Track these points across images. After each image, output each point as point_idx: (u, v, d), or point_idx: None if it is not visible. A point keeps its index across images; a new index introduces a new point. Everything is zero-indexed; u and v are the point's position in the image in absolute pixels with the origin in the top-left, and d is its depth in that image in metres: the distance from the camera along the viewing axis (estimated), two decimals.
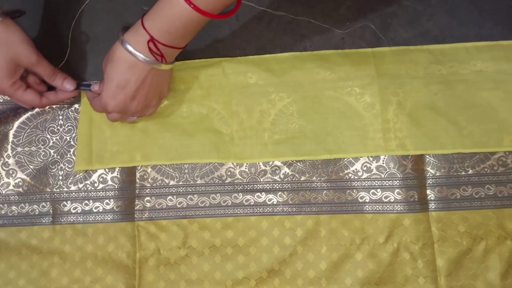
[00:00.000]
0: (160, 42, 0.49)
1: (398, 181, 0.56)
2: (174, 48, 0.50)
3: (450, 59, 0.58)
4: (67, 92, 0.56)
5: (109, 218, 0.57)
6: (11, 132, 0.60)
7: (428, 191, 0.56)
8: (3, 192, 0.59)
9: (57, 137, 0.60)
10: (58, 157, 0.59)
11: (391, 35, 0.60)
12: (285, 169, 0.57)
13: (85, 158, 0.58)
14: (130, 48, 0.49)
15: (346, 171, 0.57)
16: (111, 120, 0.56)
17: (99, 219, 0.58)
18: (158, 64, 0.51)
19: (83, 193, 0.58)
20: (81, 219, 0.58)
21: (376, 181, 0.56)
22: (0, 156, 0.59)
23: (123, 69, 0.50)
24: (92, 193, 0.58)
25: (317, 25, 0.60)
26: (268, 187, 0.57)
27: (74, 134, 0.59)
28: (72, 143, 0.59)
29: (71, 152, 0.59)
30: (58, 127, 0.60)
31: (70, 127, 0.60)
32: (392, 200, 0.56)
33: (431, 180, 0.56)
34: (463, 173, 0.56)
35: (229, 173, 0.58)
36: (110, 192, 0.58)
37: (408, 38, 0.60)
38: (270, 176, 0.57)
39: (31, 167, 0.59)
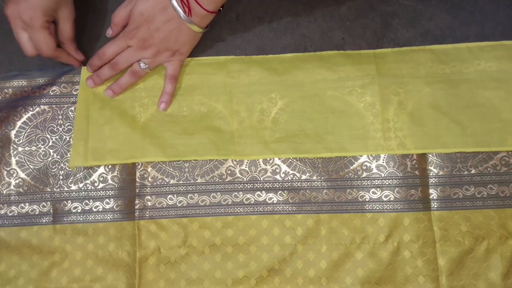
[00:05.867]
0: None
1: (398, 180, 0.59)
2: (200, 6, 0.56)
3: (453, 58, 0.61)
4: (76, 59, 0.62)
5: (109, 218, 0.60)
6: (13, 132, 0.63)
7: (430, 190, 0.59)
8: (4, 192, 0.62)
9: (57, 137, 0.63)
10: (58, 156, 0.62)
11: (391, 35, 0.63)
12: (286, 168, 0.61)
13: (81, 155, 0.61)
14: None
15: (346, 170, 0.60)
16: (121, 62, 0.59)
17: (99, 218, 0.60)
18: (184, 16, 0.56)
19: (83, 193, 0.61)
20: (81, 219, 0.61)
21: (376, 180, 0.60)
22: (2, 157, 0.62)
23: (156, 9, 0.56)
24: (92, 192, 0.61)
25: (317, 25, 0.64)
26: (268, 186, 0.60)
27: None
28: (71, 142, 0.62)
29: (71, 152, 0.62)
30: (58, 127, 0.63)
31: (69, 127, 0.63)
32: (392, 199, 0.59)
33: (433, 179, 0.60)
34: (465, 172, 0.59)
35: (229, 171, 0.61)
36: (110, 191, 0.61)
37: (408, 38, 0.63)
38: (270, 175, 0.60)
39: (31, 167, 0.62)
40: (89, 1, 0.65)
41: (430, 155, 0.60)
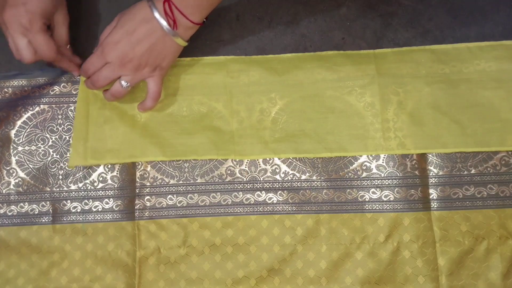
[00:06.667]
0: (174, 4, 0.53)
1: (397, 180, 0.59)
2: (186, 18, 0.54)
3: (453, 58, 0.61)
4: (75, 63, 0.60)
5: (108, 217, 0.60)
6: (13, 132, 0.63)
7: (430, 190, 0.59)
8: (3, 191, 0.62)
9: (57, 136, 0.63)
10: (58, 156, 0.62)
11: (391, 35, 0.63)
12: (285, 168, 0.60)
13: (80, 154, 0.61)
14: (150, 4, 0.54)
15: (346, 170, 0.60)
16: (99, 81, 0.57)
17: (99, 218, 0.60)
18: (168, 29, 0.55)
19: (83, 193, 0.61)
20: (81, 219, 0.61)
21: (376, 180, 0.60)
22: (2, 156, 0.62)
23: (137, 20, 0.55)
24: (91, 192, 0.61)
25: (317, 25, 0.64)
26: (268, 186, 0.60)
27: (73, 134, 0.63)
28: (71, 142, 0.62)
29: (70, 151, 0.62)
30: (58, 126, 0.63)
31: (69, 126, 0.63)
32: (392, 199, 0.59)
33: (433, 179, 0.60)
34: (465, 172, 0.59)
35: (229, 171, 0.61)
36: (109, 191, 0.61)
37: (408, 38, 0.63)
38: (270, 175, 0.60)
39: (31, 166, 0.62)
40: (85, 4, 0.65)
41: (430, 155, 0.60)
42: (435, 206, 0.59)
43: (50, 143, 0.63)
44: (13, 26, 0.54)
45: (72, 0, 0.64)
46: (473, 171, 0.59)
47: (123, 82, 0.57)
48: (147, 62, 0.56)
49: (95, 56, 0.57)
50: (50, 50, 0.56)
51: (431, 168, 0.60)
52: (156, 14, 0.54)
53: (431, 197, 0.59)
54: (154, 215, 0.60)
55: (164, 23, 0.54)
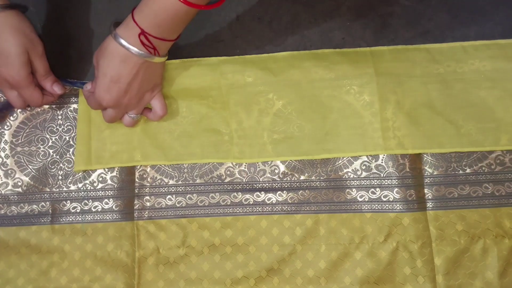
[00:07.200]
0: (150, 34, 0.51)
1: (396, 180, 0.59)
2: (165, 40, 0.53)
3: (448, 58, 0.61)
4: (55, 94, 0.60)
5: (108, 218, 0.60)
6: (10, 132, 0.62)
7: (425, 190, 0.59)
8: (2, 192, 0.62)
9: (57, 137, 0.63)
10: (58, 157, 0.62)
11: (391, 35, 0.63)
12: (284, 168, 0.61)
13: (84, 158, 0.61)
14: (123, 41, 0.52)
15: (345, 170, 0.60)
16: (108, 120, 0.59)
17: (98, 218, 0.60)
18: (151, 56, 0.53)
19: (82, 193, 0.61)
20: (80, 219, 0.61)
21: (375, 180, 0.60)
22: (0, 156, 0.62)
23: (116, 63, 0.53)
24: (91, 192, 0.61)
25: (317, 25, 0.63)
26: (267, 186, 0.60)
27: (73, 134, 0.62)
28: (71, 142, 0.62)
29: (70, 152, 0.62)
30: (58, 127, 0.63)
31: (69, 127, 0.63)
32: (391, 199, 0.59)
33: (428, 179, 0.60)
34: (460, 172, 0.59)
35: (228, 172, 0.61)
36: (109, 191, 0.61)
37: (408, 38, 0.62)
38: (269, 175, 0.60)
39: (30, 167, 0.62)
40: (85, 4, 0.64)
41: (425, 155, 0.60)
42: (431, 205, 0.59)
43: (50, 143, 0.62)
44: (2, 84, 0.57)
45: (73, 0, 0.64)
46: (468, 171, 0.59)
47: (131, 115, 0.59)
48: (144, 91, 0.57)
49: (94, 104, 0.58)
50: (36, 101, 0.59)
51: (426, 168, 0.60)
52: (134, 50, 0.52)
53: (426, 197, 0.59)
54: (153, 215, 0.60)
55: (144, 54, 0.53)
